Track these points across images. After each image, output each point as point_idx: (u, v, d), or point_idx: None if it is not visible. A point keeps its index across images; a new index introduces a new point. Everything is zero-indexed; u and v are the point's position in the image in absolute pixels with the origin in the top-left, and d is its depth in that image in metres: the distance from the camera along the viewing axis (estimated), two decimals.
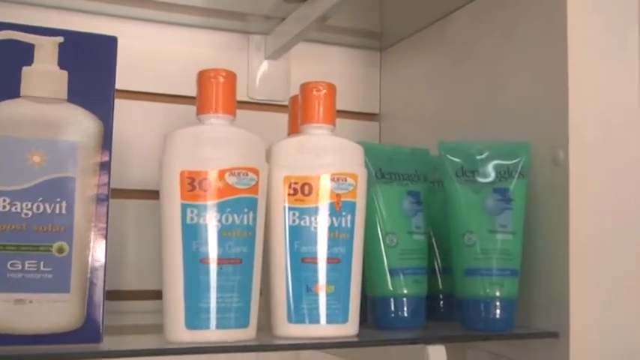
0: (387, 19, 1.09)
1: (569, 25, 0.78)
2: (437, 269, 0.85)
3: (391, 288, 0.76)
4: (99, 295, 0.62)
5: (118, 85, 0.95)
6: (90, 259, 0.62)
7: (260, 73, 1.05)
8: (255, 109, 1.04)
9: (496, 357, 0.84)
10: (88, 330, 0.62)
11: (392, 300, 0.76)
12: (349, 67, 1.12)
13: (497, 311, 0.76)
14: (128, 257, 0.96)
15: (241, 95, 1.03)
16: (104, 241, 0.63)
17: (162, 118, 0.99)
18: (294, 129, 0.79)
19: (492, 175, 0.78)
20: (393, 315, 0.76)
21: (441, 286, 0.85)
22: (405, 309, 0.76)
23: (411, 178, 0.80)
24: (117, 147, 0.92)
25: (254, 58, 1.05)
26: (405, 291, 0.76)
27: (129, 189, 0.96)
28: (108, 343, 0.62)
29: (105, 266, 0.63)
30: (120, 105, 0.95)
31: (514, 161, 0.79)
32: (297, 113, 0.73)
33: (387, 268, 0.76)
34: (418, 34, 1.05)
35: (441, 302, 0.85)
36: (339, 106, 1.08)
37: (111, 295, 0.93)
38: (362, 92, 1.12)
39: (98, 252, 0.62)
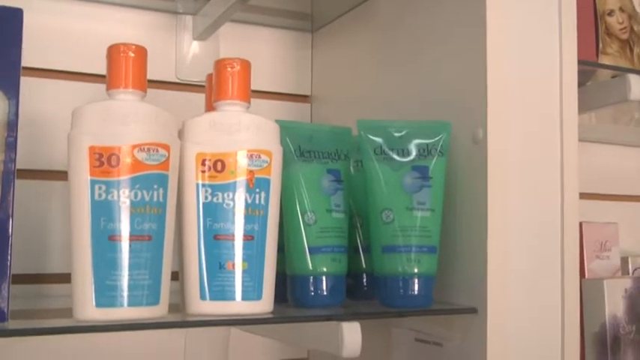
0: (318, 0, 1.08)
1: (489, 6, 0.78)
2: (359, 248, 0.85)
3: (310, 266, 0.76)
4: (3, 275, 0.61)
5: (43, 64, 0.94)
6: None
7: (189, 53, 1.04)
8: (184, 90, 1.03)
9: (418, 334, 0.85)
10: None
11: (311, 278, 0.76)
12: (280, 49, 1.12)
13: (416, 288, 0.76)
14: (53, 240, 0.94)
15: (170, 76, 1.03)
16: (10, 220, 0.62)
17: (88, 98, 0.97)
18: (209, 107, 0.79)
19: (411, 154, 0.78)
20: (312, 293, 0.76)
21: (364, 265, 0.85)
22: (324, 287, 0.76)
23: (331, 156, 0.79)
24: (35, 127, 0.92)
25: (182, 39, 1.04)
26: (324, 269, 0.76)
27: (54, 170, 0.95)
28: (16, 324, 0.61)
29: (10, 245, 0.62)
30: (41, 84, 0.94)
31: (434, 140, 0.79)
32: (212, 90, 0.73)
33: (306, 247, 0.76)
34: (347, 15, 1.05)
35: (364, 281, 0.85)
36: (270, 88, 1.08)
37: (36, 278, 0.92)
38: (293, 74, 1.12)
39: (2, 231, 0.61)
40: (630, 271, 1.27)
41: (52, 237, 0.95)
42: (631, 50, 1.20)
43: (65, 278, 0.92)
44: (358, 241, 0.85)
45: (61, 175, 0.92)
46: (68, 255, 0.92)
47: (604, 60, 1.04)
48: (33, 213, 0.93)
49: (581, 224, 1.16)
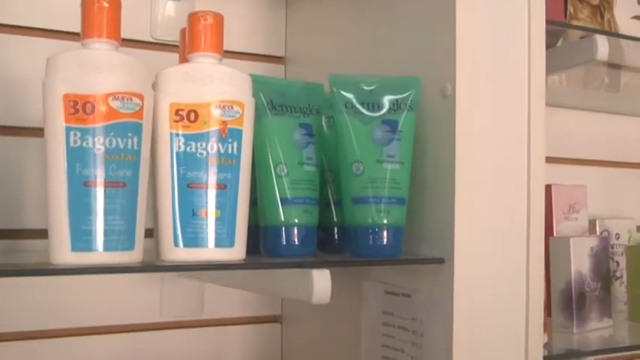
0: None
1: None
2: (331, 202, 0.87)
3: (282, 217, 0.78)
4: None
5: (13, 20, 0.94)
6: None
7: (163, 13, 1.05)
8: (159, 50, 1.04)
9: (388, 287, 0.87)
10: None
11: (283, 229, 0.78)
12: (255, 10, 1.12)
13: (385, 238, 0.78)
14: (28, 196, 0.96)
15: (145, 35, 1.03)
16: None
17: None
18: (183, 60, 0.80)
19: (382, 108, 0.80)
20: (284, 243, 0.78)
21: (335, 219, 0.87)
22: (296, 237, 0.78)
23: (303, 111, 0.81)
24: (11, 85, 0.92)
25: None
26: (296, 220, 0.78)
27: (29, 127, 0.95)
28: None
29: None
30: (13, 41, 0.95)
31: (404, 95, 0.81)
32: (185, 45, 0.74)
33: (278, 198, 0.78)
34: None
35: (335, 234, 0.87)
36: (245, 49, 1.09)
37: (12, 234, 0.93)
38: (267, 35, 1.13)
39: None
40: (598, 232, 1.30)
41: (28, 193, 0.95)
42: (602, 16, 1.22)
43: (41, 234, 0.93)
44: (330, 195, 0.87)
45: (35, 132, 0.94)
46: (43, 212, 0.94)
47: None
48: (7, 170, 0.94)
49: (550, 186, 1.19)
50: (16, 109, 0.94)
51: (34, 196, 0.95)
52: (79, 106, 0.64)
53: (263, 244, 0.79)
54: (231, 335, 1.09)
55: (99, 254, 0.64)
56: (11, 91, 0.94)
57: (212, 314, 1.07)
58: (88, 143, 0.65)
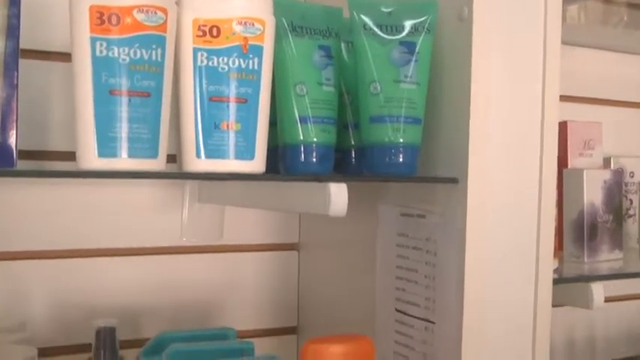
0: None
1: None
2: (348, 125, 0.89)
3: (301, 136, 0.80)
4: (11, 122, 0.65)
5: None
6: (2, 87, 0.64)
7: None
8: None
9: (403, 209, 0.89)
10: (2, 155, 0.65)
11: (301, 147, 0.80)
12: None
13: (401, 156, 0.80)
14: (54, 119, 0.98)
15: None
16: (15, 72, 0.65)
17: None
18: None
19: (400, 30, 0.81)
20: (302, 161, 0.80)
21: (352, 141, 0.89)
22: (314, 156, 0.80)
23: (322, 33, 0.83)
24: (37, 7, 0.94)
25: None
26: (314, 139, 0.80)
27: (54, 51, 0.97)
28: (24, 166, 0.65)
29: (17, 96, 0.65)
30: None
31: (422, 18, 0.82)
32: None
33: (296, 116, 0.80)
34: None
35: (352, 156, 0.89)
36: None
37: (37, 155, 0.96)
38: None
39: (10, 81, 0.65)
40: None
41: (52, 116, 0.98)
42: None
43: (64, 155, 0.96)
44: (347, 117, 0.88)
45: (60, 56, 0.96)
46: (67, 134, 0.97)
47: None
48: (32, 92, 0.96)
49: (566, 122, 1.21)
50: (41, 33, 0.96)
51: (58, 119, 0.97)
52: (104, 17, 0.66)
53: (282, 163, 0.81)
54: (249, 261, 1.12)
55: (124, 160, 0.67)
56: (36, 14, 0.96)
57: (231, 240, 1.10)
58: (113, 53, 0.67)
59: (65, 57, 0.95)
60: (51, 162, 0.98)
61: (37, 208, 0.97)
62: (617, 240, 1.14)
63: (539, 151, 0.86)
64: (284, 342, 1.13)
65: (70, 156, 0.97)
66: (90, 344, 0.82)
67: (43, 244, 0.98)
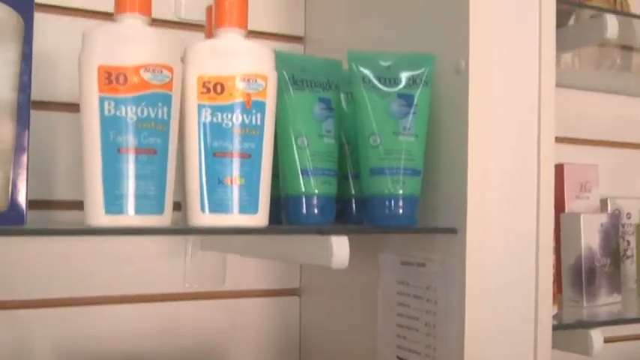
0: None
1: None
2: (349, 175, 0.90)
3: (302, 187, 0.81)
4: (22, 180, 0.67)
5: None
6: (13, 147, 0.66)
7: None
8: (182, 29, 1.08)
9: (403, 257, 0.91)
10: (13, 213, 0.66)
11: (303, 198, 0.82)
12: None
13: (400, 207, 0.82)
14: (59, 169, 1.00)
15: (169, 15, 1.07)
16: (27, 132, 0.67)
17: None
18: (209, 36, 0.83)
19: (398, 83, 0.83)
20: (304, 212, 0.82)
21: (352, 191, 0.90)
22: (316, 207, 0.82)
23: (322, 86, 0.85)
24: (45, 62, 0.96)
25: None
26: (316, 190, 0.82)
27: (58, 102, 0.99)
28: (34, 225, 0.67)
29: (27, 155, 0.67)
30: (47, 20, 0.99)
31: (419, 70, 0.84)
32: (212, 21, 0.78)
33: (298, 168, 0.81)
34: None
35: (353, 206, 0.91)
36: (264, 28, 1.13)
37: (43, 204, 0.97)
38: (287, 15, 1.16)
39: (22, 141, 0.66)
40: (609, 211, 1.32)
41: (57, 166, 0.99)
42: None
43: (70, 205, 0.98)
44: (348, 168, 0.90)
45: (64, 107, 0.98)
46: (72, 183, 0.98)
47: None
48: (38, 143, 0.98)
49: (562, 165, 1.22)
50: (47, 85, 0.98)
51: (64, 169, 0.99)
52: (112, 77, 0.68)
53: (284, 213, 0.83)
54: (251, 307, 1.13)
55: (131, 217, 0.69)
56: (42, 68, 0.98)
57: (233, 286, 1.11)
58: (121, 112, 0.68)
59: (70, 107, 0.98)
60: (57, 212, 1.00)
61: (41, 256, 0.98)
62: (616, 283, 1.16)
63: (536, 197, 0.88)
64: None
65: (76, 205, 0.98)
66: None
67: (47, 293, 0.99)
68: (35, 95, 0.68)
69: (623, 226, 1.31)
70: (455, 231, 0.82)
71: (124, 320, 1.03)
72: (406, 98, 0.83)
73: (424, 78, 0.83)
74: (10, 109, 0.66)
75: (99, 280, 1.02)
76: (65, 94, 0.99)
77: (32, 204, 0.95)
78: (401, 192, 0.81)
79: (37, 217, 0.97)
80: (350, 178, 0.90)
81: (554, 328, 0.89)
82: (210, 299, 1.10)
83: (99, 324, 1.02)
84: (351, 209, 0.91)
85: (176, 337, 1.06)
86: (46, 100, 0.98)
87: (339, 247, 0.74)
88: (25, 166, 0.66)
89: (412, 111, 0.82)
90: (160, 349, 1.05)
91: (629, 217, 1.34)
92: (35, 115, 0.95)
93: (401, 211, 0.81)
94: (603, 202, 1.33)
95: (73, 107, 0.97)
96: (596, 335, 0.92)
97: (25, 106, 0.67)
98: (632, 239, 1.30)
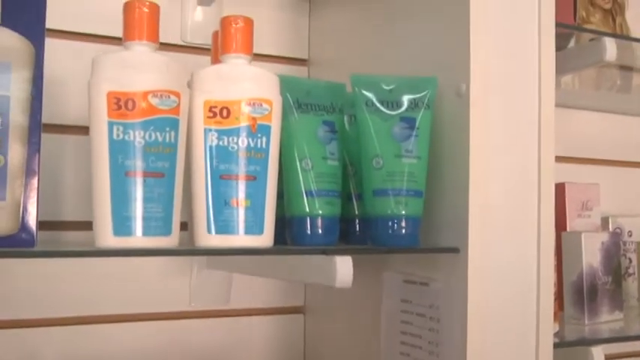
0: None
1: None
2: (352, 195, 0.92)
3: (307, 208, 0.83)
4: (33, 203, 0.68)
5: (57, 25, 1.00)
6: (24, 170, 0.68)
7: (193, 18, 1.11)
8: (189, 52, 1.10)
9: (406, 276, 0.92)
10: (23, 235, 0.68)
11: (307, 219, 0.83)
12: (279, 13, 1.18)
13: (403, 228, 0.83)
14: (67, 189, 1.01)
15: (175, 39, 1.09)
16: (37, 155, 0.69)
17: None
18: (215, 61, 0.85)
19: (400, 106, 0.85)
20: (308, 233, 0.83)
21: (356, 212, 0.92)
22: (320, 227, 0.83)
23: (326, 109, 0.86)
24: (54, 86, 0.98)
25: (187, 4, 1.11)
26: (320, 211, 0.83)
27: (67, 125, 1.01)
28: (44, 247, 0.68)
29: (38, 178, 0.69)
30: (57, 45, 1.01)
31: (421, 94, 0.86)
32: (217, 46, 0.80)
33: (302, 190, 0.83)
34: None
35: (356, 226, 0.92)
36: (269, 51, 1.15)
37: (52, 225, 0.99)
38: (291, 38, 1.18)
39: (32, 164, 0.68)
40: (610, 230, 1.34)
41: (67, 187, 1.01)
42: (613, 20, 1.27)
43: (78, 225, 1.00)
44: (351, 188, 0.92)
45: (74, 130, 1.00)
46: (81, 205, 1.00)
47: None
48: (48, 165, 1.00)
49: (564, 184, 1.24)
50: (57, 109, 1.00)
51: (72, 190, 1.01)
52: (121, 103, 0.70)
53: (289, 234, 0.84)
54: (256, 325, 1.15)
55: (139, 239, 0.70)
56: (52, 91, 1.00)
57: (238, 305, 1.13)
58: (129, 136, 0.70)
59: (78, 130, 1.00)
60: (65, 232, 1.01)
61: (48, 276, 1.00)
62: (617, 301, 1.17)
63: (537, 215, 0.89)
64: None
65: (84, 225, 1.01)
66: None
67: (54, 311, 1.01)
68: (45, 118, 0.70)
69: (625, 244, 1.32)
70: (457, 250, 0.83)
71: (131, 338, 1.05)
72: (408, 121, 0.84)
73: (426, 101, 0.85)
74: (20, 132, 0.67)
75: (106, 299, 1.03)
76: (75, 117, 1.01)
77: (41, 224, 0.98)
78: (404, 212, 0.83)
79: (46, 237, 0.99)
80: (354, 199, 0.92)
81: (556, 345, 0.90)
82: (216, 317, 1.11)
83: (106, 342, 1.03)
84: (355, 229, 0.92)
85: (182, 355, 1.08)
86: (55, 122, 0.99)
87: (343, 267, 0.75)
88: (36, 189, 0.68)
89: (414, 134, 0.84)
90: None
91: (630, 235, 1.36)
92: (44, 137, 0.97)
93: (404, 231, 0.83)
94: (604, 221, 1.34)
95: (80, 129, 1.00)
96: (598, 353, 0.94)
97: (36, 129, 0.68)
98: (634, 257, 1.32)
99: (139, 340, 1.06)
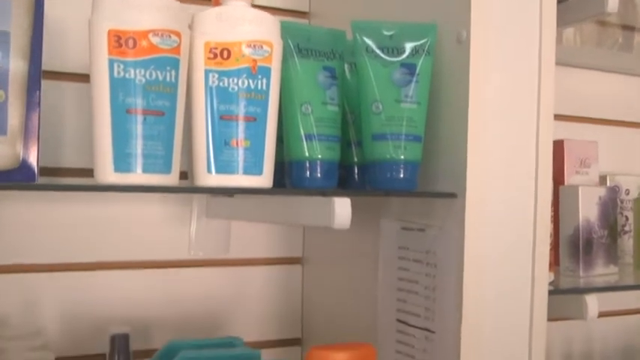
0: None
1: None
2: (352, 142, 0.92)
3: (306, 152, 0.84)
4: (34, 138, 0.69)
5: None
6: (25, 105, 0.68)
7: None
8: (191, 2, 1.10)
9: (404, 223, 0.93)
10: (24, 169, 0.69)
11: (307, 163, 0.84)
12: None
13: (401, 172, 0.84)
14: (67, 136, 1.02)
15: None
16: (38, 91, 0.69)
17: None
18: (216, 3, 0.85)
19: (401, 52, 0.85)
20: (307, 176, 0.84)
21: (355, 159, 0.92)
22: (319, 171, 0.84)
23: (327, 55, 0.87)
24: (55, 33, 0.98)
25: None
26: (319, 156, 0.84)
27: (67, 72, 1.01)
28: (44, 181, 0.69)
29: (39, 113, 0.69)
30: None
31: (422, 40, 0.86)
32: None
33: (302, 134, 0.83)
34: None
35: (356, 173, 0.93)
36: (270, 3, 1.15)
37: (51, 171, 1.00)
38: None
39: (33, 99, 0.69)
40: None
41: (66, 135, 1.02)
42: None
43: (78, 172, 1.00)
44: (351, 136, 0.92)
45: (72, 77, 1.00)
46: (79, 151, 1.00)
47: None
48: (46, 111, 1.00)
49: (562, 141, 1.24)
50: (56, 56, 1.00)
51: (71, 137, 1.01)
52: (122, 41, 0.70)
53: (288, 178, 0.85)
54: (254, 275, 1.16)
55: (139, 175, 0.71)
56: (51, 39, 1.00)
57: (237, 254, 1.13)
58: (130, 74, 0.71)
59: (78, 78, 1.00)
60: (64, 178, 1.02)
61: (50, 222, 1.01)
62: (613, 255, 1.18)
63: (535, 167, 0.90)
64: (288, 353, 1.16)
65: (83, 172, 1.01)
66: (101, 355, 0.85)
67: (55, 258, 1.02)
68: (44, 65, 0.71)
69: (622, 202, 1.33)
70: (454, 195, 0.84)
71: (130, 286, 1.06)
72: (409, 67, 0.85)
73: (426, 48, 0.85)
74: (21, 67, 0.68)
75: (105, 246, 1.04)
76: (75, 65, 1.01)
77: (42, 171, 0.98)
78: (402, 157, 0.83)
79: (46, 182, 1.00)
80: (353, 146, 0.92)
81: (551, 293, 0.91)
82: (215, 267, 1.12)
83: (104, 289, 1.04)
84: (354, 176, 0.93)
85: (181, 304, 1.09)
86: (55, 70, 1.00)
87: (342, 208, 0.76)
88: (37, 125, 0.69)
89: (414, 79, 0.84)
90: (166, 315, 1.08)
91: (628, 194, 1.36)
92: (43, 84, 0.98)
93: (402, 175, 0.83)
94: (602, 178, 1.35)
95: (81, 77, 1.01)
96: (591, 300, 0.95)
97: (37, 64, 0.69)
98: (631, 215, 1.33)
99: (137, 287, 1.07)
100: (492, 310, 0.86)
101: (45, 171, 0.99)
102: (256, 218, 0.95)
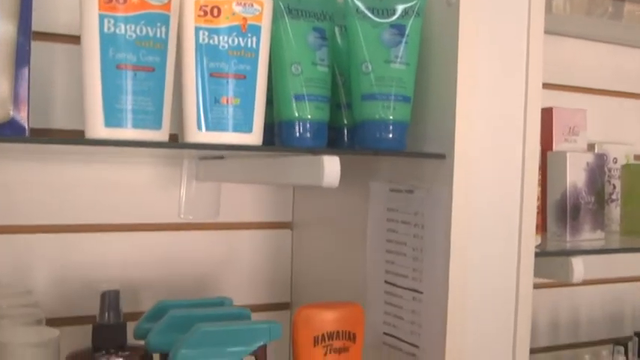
0: None
1: None
2: (341, 104, 0.93)
3: (296, 112, 0.84)
4: (24, 94, 0.69)
5: None
6: (15, 60, 0.68)
7: None
8: None
9: (392, 185, 0.94)
10: (15, 124, 0.69)
11: (296, 123, 0.84)
12: None
13: (390, 132, 0.85)
14: (57, 98, 1.02)
15: None
16: (28, 43, 0.69)
17: None
18: None
19: (390, 14, 0.86)
20: (297, 136, 0.84)
21: (345, 120, 0.93)
22: (308, 131, 0.84)
23: (317, 16, 0.87)
24: None
25: None
26: (309, 115, 0.84)
27: (57, 33, 1.01)
28: (35, 135, 0.69)
29: (29, 67, 0.69)
30: None
31: (412, 3, 0.86)
32: None
33: (291, 94, 0.84)
34: None
35: (345, 135, 0.93)
36: None
37: (40, 133, 1.00)
38: None
39: (23, 54, 0.69)
40: None
41: (56, 96, 1.02)
42: None
43: (67, 134, 1.00)
44: (340, 97, 0.93)
45: (63, 39, 1.00)
46: (70, 113, 1.00)
47: None
48: (36, 73, 1.00)
49: (551, 108, 1.25)
50: (45, 16, 1.00)
51: (61, 99, 1.01)
52: None
53: (278, 138, 0.85)
54: (244, 239, 1.16)
55: (130, 130, 0.71)
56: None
57: (227, 218, 1.14)
58: (120, 30, 0.71)
59: (68, 39, 1.00)
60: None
61: (40, 183, 1.01)
62: (599, 221, 1.19)
63: (523, 132, 0.91)
64: (277, 317, 1.17)
65: (72, 134, 1.01)
66: (92, 316, 0.85)
67: (46, 219, 1.02)
68: (33, 26, 0.71)
69: (610, 171, 1.34)
70: (443, 156, 0.85)
71: (120, 248, 1.07)
72: (398, 28, 0.85)
73: (416, 9, 0.86)
74: (11, 19, 0.68)
75: (95, 208, 1.04)
76: (64, 25, 1.01)
77: (31, 132, 0.98)
78: (391, 117, 0.84)
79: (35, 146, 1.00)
80: (342, 108, 0.93)
81: (537, 255, 0.92)
82: (205, 230, 1.13)
83: (94, 251, 1.05)
84: (343, 137, 0.93)
85: (171, 267, 1.09)
86: (44, 30, 0.99)
87: (331, 166, 0.76)
88: (27, 79, 0.68)
89: (404, 40, 0.85)
90: (156, 278, 1.09)
91: (615, 162, 1.37)
92: (33, 45, 0.98)
93: (391, 135, 0.84)
94: (591, 147, 1.36)
95: (71, 38, 1.00)
96: (577, 263, 0.96)
97: (27, 17, 0.69)
98: (618, 183, 1.34)
99: (127, 250, 1.07)
100: (479, 271, 0.87)
101: (35, 132, 0.99)
102: (246, 179, 0.96)
